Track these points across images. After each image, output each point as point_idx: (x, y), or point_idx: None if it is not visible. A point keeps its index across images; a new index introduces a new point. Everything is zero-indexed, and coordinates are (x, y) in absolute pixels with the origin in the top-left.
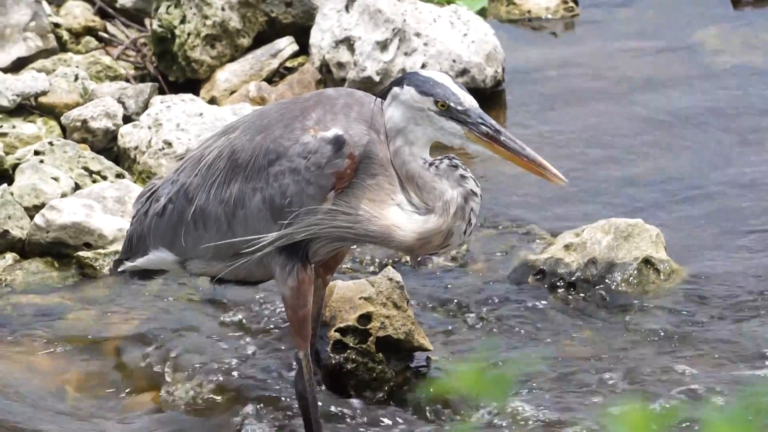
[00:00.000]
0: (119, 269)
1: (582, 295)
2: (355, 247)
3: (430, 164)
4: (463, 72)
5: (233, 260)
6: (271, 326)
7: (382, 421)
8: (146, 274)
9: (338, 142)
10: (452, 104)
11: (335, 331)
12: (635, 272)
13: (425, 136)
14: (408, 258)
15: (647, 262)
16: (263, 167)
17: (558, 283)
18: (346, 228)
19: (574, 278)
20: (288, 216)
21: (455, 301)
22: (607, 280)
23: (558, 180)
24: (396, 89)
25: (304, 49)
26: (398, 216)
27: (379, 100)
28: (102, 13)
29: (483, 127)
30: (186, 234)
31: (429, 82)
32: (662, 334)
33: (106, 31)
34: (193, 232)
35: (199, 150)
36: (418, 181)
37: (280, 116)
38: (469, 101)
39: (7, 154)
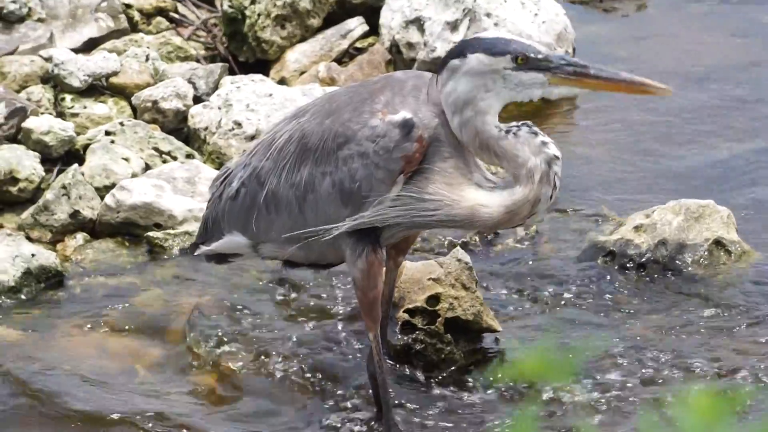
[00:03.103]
0: (195, 253)
1: (652, 276)
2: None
3: (506, 132)
4: None
5: (305, 243)
6: (342, 307)
7: (451, 403)
8: (221, 257)
9: (407, 125)
10: (531, 55)
11: (404, 312)
12: (706, 253)
13: (499, 100)
14: (477, 238)
15: (718, 243)
16: (332, 151)
17: (628, 265)
18: (426, 215)
19: (644, 259)
20: (358, 200)
21: (524, 282)
22: (677, 262)
23: (664, 91)
24: (454, 62)
25: (374, 30)
26: (481, 195)
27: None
28: None
29: (568, 67)
30: (258, 217)
31: (500, 42)
32: (734, 316)
33: (176, 11)
34: (265, 215)
35: (270, 133)
36: (496, 150)
37: (348, 99)
38: (544, 47)
39: (78, 134)
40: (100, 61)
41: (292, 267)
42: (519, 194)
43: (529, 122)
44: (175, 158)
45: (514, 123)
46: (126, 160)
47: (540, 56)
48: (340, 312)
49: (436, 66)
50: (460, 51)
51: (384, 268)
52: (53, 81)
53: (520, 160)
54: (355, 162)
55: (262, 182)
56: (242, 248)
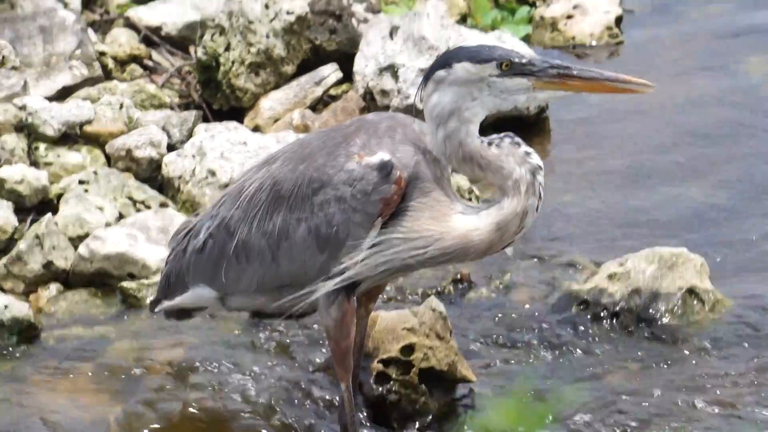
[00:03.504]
0: (156, 309)
1: (626, 325)
2: None
3: (489, 143)
4: None
5: (277, 293)
6: (315, 357)
7: None
8: (183, 312)
9: (385, 167)
10: (516, 60)
11: (378, 362)
12: (679, 302)
13: (484, 108)
14: (451, 288)
15: (691, 292)
16: (307, 197)
17: (602, 314)
18: (417, 254)
19: (617, 308)
20: (335, 245)
21: (499, 331)
22: (651, 311)
23: (647, 88)
24: (440, 73)
25: (348, 77)
26: (469, 220)
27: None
28: (147, 41)
29: (552, 70)
30: (228, 268)
31: (484, 50)
32: (706, 366)
33: (151, 59)
34: (235, 266)
35: (238, 183)
36: (480, 161)
37: (321, 144)
38: (527, 52)
39: (51, 183)
40: (74, 109)
41: (261, 318)
42: (507, 208)
43: (510, 133)
44: (149, 207)
45: (495, 135)
46: (100, 209)
47: (524, 61)
48: (314, 361)
49: (414, 114)
50: (444, 61)
51: (355, 317)
52: (27, 129)
53: (505, 172)
54: (332, 207)
55: (232, 232)
56: (208, 301)
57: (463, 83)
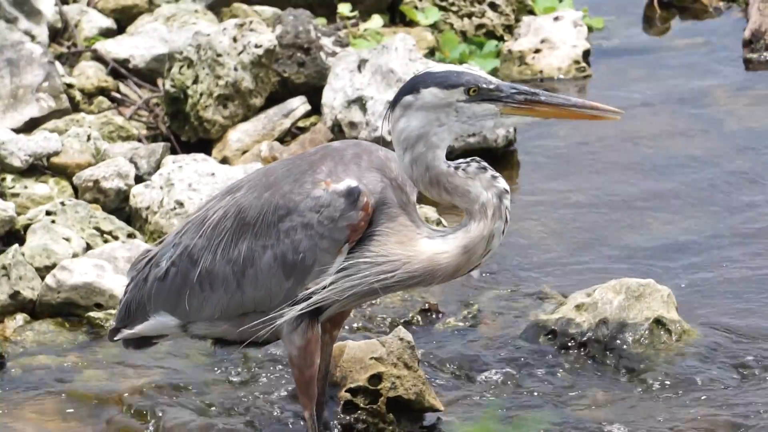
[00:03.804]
0: (115, 338)
1: (593, 355)
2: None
3: (456, 167)
4: (474, 132)
5: (240, 320)
6: (279, 386)
7: None
8: (143, 341)
9: (352, 194)
10: (483, 85)
11: (346, 391)
12: (646, 333)
13: (451, 134)
14: (419, 317)
15: (658, 322)
16: (273, 224)
17: (569, 344)
18: (384, 279)
19: (585, 338)
20: (301, 272)
21: (466, 361)
22: (618, 341)
23: (614, 115)
24: (408, 98)
25: (316, 109)
26: (435, 244)
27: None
28: (115, 74)
29: (519, 95)
30: (191, 296)
31: (452, 75)
32: (673, 396)
33: (118, 91)
34: (198, 294)
35: (201, 211)
36: (446, 185)
37: (287, 172)
38: (494, 78)
39: (18, 214)
40: (41, 141)
41: (223, 345)
42: (474, 231)
43: (477, 158)
44: (116, 238)
45: (462, 159)
46: (67, 240)
47: (491, 86)
48: (281, 389)
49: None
50: (412, 87)
51: (320, 345)
52: None
53: (472, 195)
54: (298, 233)
55: (195, 260)
56: (170, 329)
57: (431, 108)
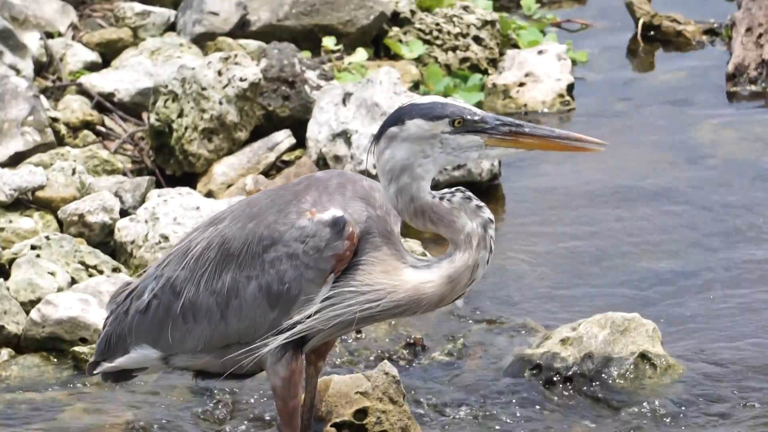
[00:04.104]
0: (95, 372)
1: (578, 389)
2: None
3: (440, 198)
4: (460, 166)
5: (223, 351)
6: (263, 419)
7: None
8: (122, 374)
9: (337, 224)
10: (468, 117)
11: (331, 426)
12: (631, 367)
13: (436, 165)
14: (405, 351)
15: (643, 356)
16: (257, 254)
17: (554, 378)
18: (369, 308)
19: (570, 373)
20: (286, 302)
21: (451, 396)
22: (603, 375)
23: (599, 147)
24: (393, 129)
25: (301, 143)
26: (420, 273)
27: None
28: (100, 108)
29: (504, 127)
30: (173, 328)
31: (437, 106)
32: (658, 430)
33: (103, 125)
34: (181, 325)
35: (183, 243)
36: (431, 216)
37: (270, 203)
38: (479, 110)
39: (3, 248)
40: (26, 175)
41: (205, 378)
42: (459, 261)
43: (462, 188)
44: (101, 272)
45: (446, 189)
46: (52, 274)
47: (476, 118)
48: (262, 422)
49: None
50: (397, 118)
51: (303, 376)
52: None
53: (457, 226)
54: (283, 264)
55: (178, 292)
56: (151, 361)
57: (416, 140)
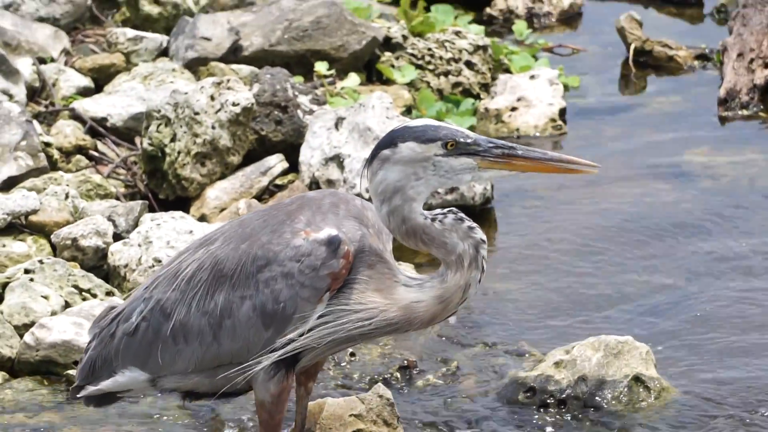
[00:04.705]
0: (79, 395)
1: (572, 412)
2: (341, 355)
3: (432, 219)
4: (452, 189)
5: (215, 371)
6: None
7: None
8: (106, 398)
9: (333, 243)
10: (461, 140)
11: None
12: (625, 390)
13: (428, 188)
14: (399, 374)
15: (637, 379)
16: (251, 274)
17: (548, 401)
18: (361, 326)
19: (564, 395)
20: (281, 321)
21: (445, 418)
22: (597, 398)
23: (591, 169)
24: (385, 152)
25: (293, 167)
26: (412, 292)
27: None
28: (92, 132)
29: (497, 150)
30: (163, 350)
31: (429, 129)
32: None
33: (96, 149)
34: (171, 347)
35: (173, 265)
36: (423, 237)
37: (263, 223)
38: (471, 132)
39: None
40: (19, 200)
41: (193, 399)
42: (451, 281)
43: (454, 209)
44: (95, 296)
45: (438, 210)
46: (45, 298)
47: (469, 140)
48: None
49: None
50: (390, 141)
51: (289, 393)
52: None
53: (449, 247)
54: (278, 283)
55: (168, 314)
56: (138, 384)
57: (408, 162)
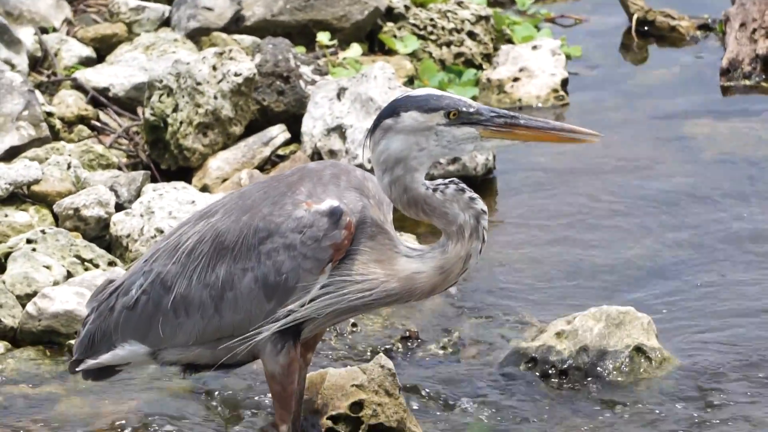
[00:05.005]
0: (77, 369)
1: (574, 383)
2: (343, 326)
3: (434, 190)
4: (455, 160)
5: (216, 343)
6: (258, 410)
7: None
8: (104, 371)
9: (335, 213)
10: (463, 109)
11: (327, 418)
12: (627, 360)
13: (430, 158)
14: (400, 345)
15: (638, 349)
16: (253, 246)
17: (550, 371)
18: (362, 297)
19: (565, 366)
20: (283, 293)
21: (447, 388)
22: (598, 368)
23: (593, 138)
24: (388, 121)
25: (296, 137)
26: (412, 263)
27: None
28: (95, 102)
29: (499, 119)
30: (164, 323)
31: (432, 98)
32: (654, 423)
33: (98, 119)
34: (172, 320)
35: (173, 238)
36: (424, 207)
37: (264, 195)
38: (474, 102)
39: None
40: (21, 170)
41: (193, 371)
42: (451, 252)
43: (455, 179)
44: (97, 266)
45: (440, 180)
46: (47, 268)
47: (471, 110)
48: (257, 413)
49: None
50: (392, 110)
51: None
52: None
53: (450, 217)
54: (280, 255)
55: (169, 287)
56: (138, 357)
57: (411, 132)
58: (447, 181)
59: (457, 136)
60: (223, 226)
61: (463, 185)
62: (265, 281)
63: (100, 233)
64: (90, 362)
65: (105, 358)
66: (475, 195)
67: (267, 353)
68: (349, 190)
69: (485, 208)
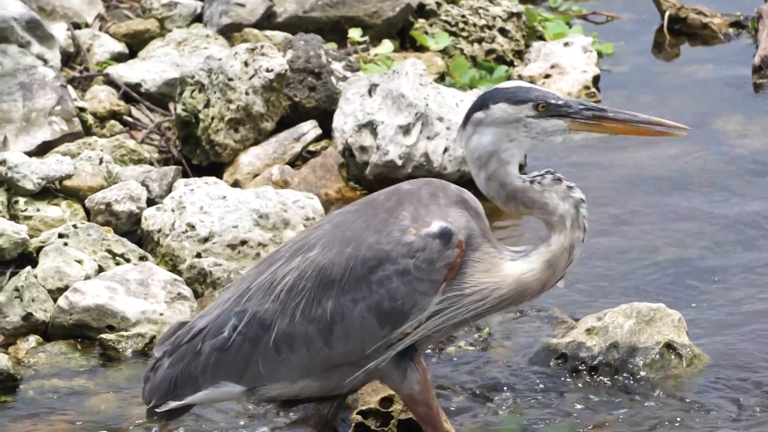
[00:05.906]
0: (158, 410)
1: (604, 379)
2: None
3: (531, 181)
4: None
5: (324, 374)
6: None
7: None
8: (181, 410)
9: (445, 234)
10: (552, 101)
11: (357, 413)
12: (657, 357)
13: (521, 149)
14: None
15: (669, 346)
16: (362, 276)
17: (580, 367)
18: (476, 308)
19: (596, 362)
20: (398, 318)
21: (477, 385)
22: (629, 365)
23: (681, 132)
24: (478, 114)
25: (327, 133)
26: (517, 265)
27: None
28: (126, 98)
29: (587, 111)
30: (264, 362)
31: (521, 90)
32: (683, 420)
33: (130, 115)
34: (274, 357)
35: (266, 276)
36: (524, 200)
37: (364, 224)
38: (562, 95)
39: (31, 237)
40: (53, 164)
41: (289, 406)
42: (555, 244)
43: (551, 169)
44: (128, 260)
45: (536, 172)
46: (79, 262)
47: (560, 102)
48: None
49: (393, 170)
50: (482, 103)
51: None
52: (7, 184)
53: (550, 208)
54: (394, 282)
55: (268, 325)
56: (232, 396)
57: (501, 124)
58: (543, 171)
59: (546, 128)
60: (326, 260)
61: (559, 174)
62: (378, 309)
63: (131, 228)
64: (173, 404)
65: (192, 399)
66: (572, 183)
67: (395, 379)
68: (450, 206)
69: (583, 196)
